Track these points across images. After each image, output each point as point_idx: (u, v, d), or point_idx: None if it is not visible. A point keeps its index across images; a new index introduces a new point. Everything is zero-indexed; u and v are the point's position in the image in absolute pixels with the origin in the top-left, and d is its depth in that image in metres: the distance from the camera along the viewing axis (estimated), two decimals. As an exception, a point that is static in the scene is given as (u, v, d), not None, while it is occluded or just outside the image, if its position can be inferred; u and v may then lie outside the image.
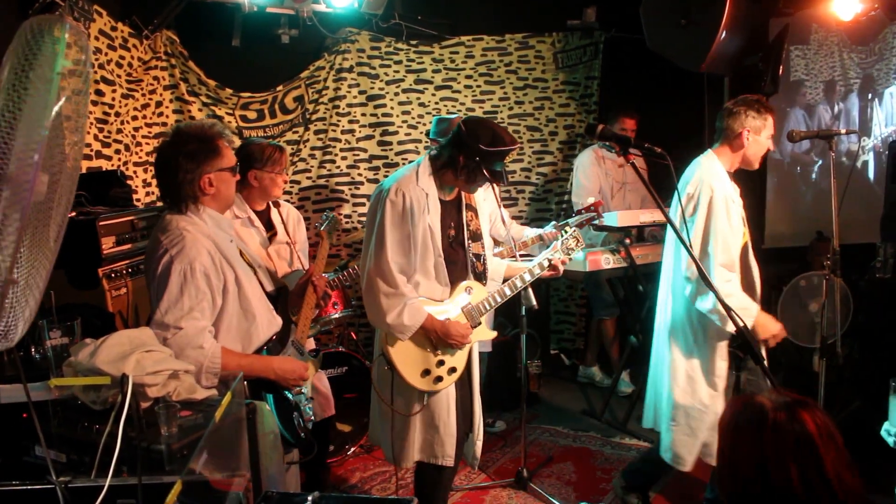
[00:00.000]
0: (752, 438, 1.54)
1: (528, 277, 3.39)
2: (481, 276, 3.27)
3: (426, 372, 3.11)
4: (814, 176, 5.73)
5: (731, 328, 3.13)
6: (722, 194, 3.25)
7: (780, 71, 4.86)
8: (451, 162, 3.04)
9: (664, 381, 3.48)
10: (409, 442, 3.17)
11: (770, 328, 3.28)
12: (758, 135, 3.31)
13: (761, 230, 5.68)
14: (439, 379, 3.13)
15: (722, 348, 3.32)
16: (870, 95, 5.66)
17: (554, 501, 3.88)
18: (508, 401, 5.06)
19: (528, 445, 4.27)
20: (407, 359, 3.09)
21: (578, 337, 6.28)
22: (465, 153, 2.98)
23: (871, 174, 5.59)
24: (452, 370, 3.17)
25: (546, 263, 3.44)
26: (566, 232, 3.58)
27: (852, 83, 5.62)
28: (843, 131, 3.79)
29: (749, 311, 3.22)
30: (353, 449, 4.35)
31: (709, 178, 3.27)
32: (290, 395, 2.81)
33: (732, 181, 3.36)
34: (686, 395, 3.38)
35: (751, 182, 5.77)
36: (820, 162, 5.67)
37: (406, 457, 3.18)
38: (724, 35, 4.21)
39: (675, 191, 2.98)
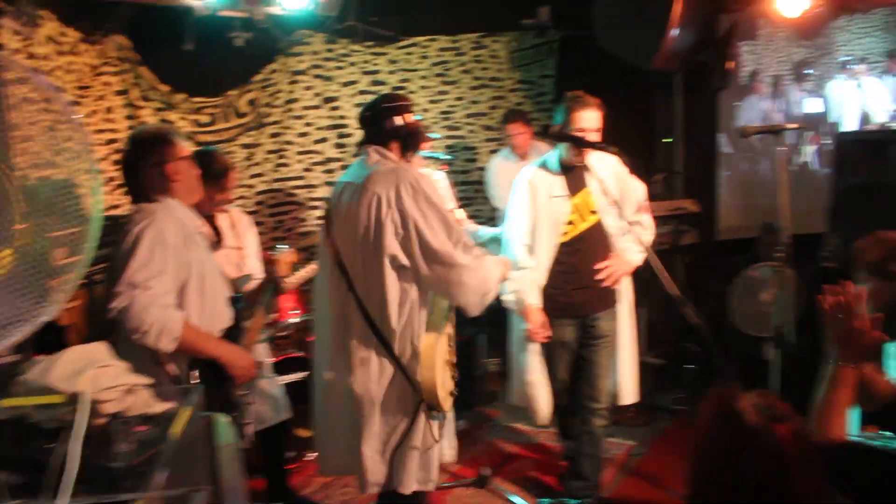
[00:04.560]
0: (723, 446, 1.42)
1: None
2: None
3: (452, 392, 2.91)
4: (762, 169, 5.87)
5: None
6: (520, 193, 3.59)
7: (730, 66, 4.96)
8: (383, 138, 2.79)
9: None
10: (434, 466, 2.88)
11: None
12: None
13: (714, 223, 5.80)
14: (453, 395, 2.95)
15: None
16: (814, 89, 5.83)
17: (514, 500, 3.91)
18: (467, 399, 5.07)
19: (487, 444, 4.27)
20: (441, 381, 2.77)
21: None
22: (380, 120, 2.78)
23: (815, 166, 5.78)
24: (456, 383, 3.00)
25: None
26: None
27: (798, 77, 5.77)
28: (791, 126, 3.86)
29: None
30: (314, 455, 4.30)
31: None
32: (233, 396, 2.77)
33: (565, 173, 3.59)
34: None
35: (705, 175, 5.91)
36: (767, 155, 5.80)
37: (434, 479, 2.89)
38: (674, 32, 4.28)
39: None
